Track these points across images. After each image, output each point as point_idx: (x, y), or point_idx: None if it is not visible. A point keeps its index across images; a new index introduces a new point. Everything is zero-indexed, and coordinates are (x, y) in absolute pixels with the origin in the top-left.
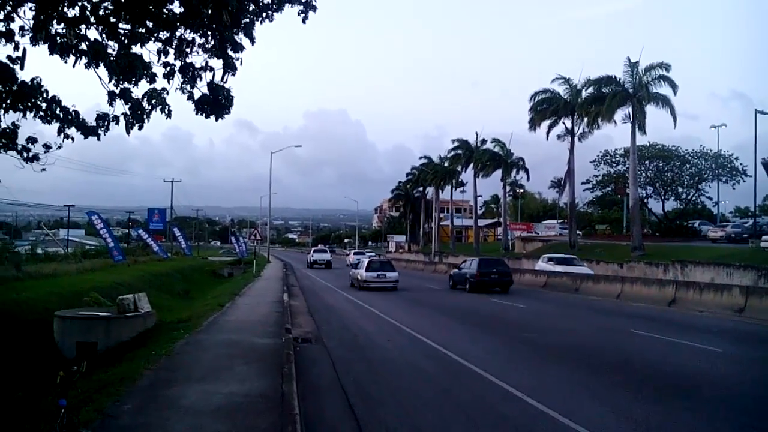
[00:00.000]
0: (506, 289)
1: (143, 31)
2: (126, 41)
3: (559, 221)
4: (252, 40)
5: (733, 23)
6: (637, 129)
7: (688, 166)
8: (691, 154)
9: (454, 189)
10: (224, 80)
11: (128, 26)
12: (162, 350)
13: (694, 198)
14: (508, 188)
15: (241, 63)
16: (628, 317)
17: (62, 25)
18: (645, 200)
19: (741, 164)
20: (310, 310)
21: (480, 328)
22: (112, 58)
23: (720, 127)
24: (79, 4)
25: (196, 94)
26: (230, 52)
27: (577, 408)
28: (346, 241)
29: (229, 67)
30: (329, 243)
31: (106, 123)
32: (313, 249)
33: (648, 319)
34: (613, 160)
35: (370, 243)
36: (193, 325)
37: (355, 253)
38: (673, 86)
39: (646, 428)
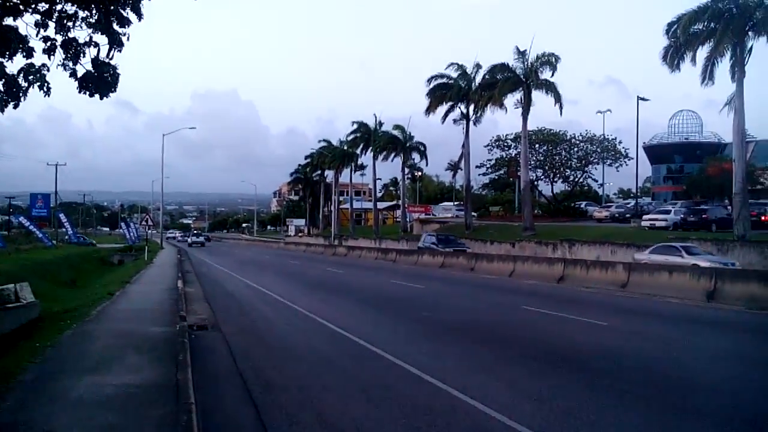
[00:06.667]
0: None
1: (18, 1)
2: None
3: (455, 203)
4: (139, 15)
5: (608, 14)
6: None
7: (575, 149)
8: (578, 139)
9: (353, 172)
10: (110, 57)
11: None
12: (47, 342)
13: (581, 180)
14: (406, 171)
15: (128, 39)
16: (521, 294)
17: None
18: (535, 182)
19: (624, 148)
20: (207, 296)
21: (379, 309)
22: None
23: (606, 112)
24: None
25: (80, 71)
26: (116, 27)
27: (475, 384)
28: (244, 225)
29: (115, 42)
30: (227, 227)
31: None
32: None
33: (539, 296)
34: (505, 144)
35: (269, 227)
36: (81, 315)
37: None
38: (554, 70)
39: (539, 400)
